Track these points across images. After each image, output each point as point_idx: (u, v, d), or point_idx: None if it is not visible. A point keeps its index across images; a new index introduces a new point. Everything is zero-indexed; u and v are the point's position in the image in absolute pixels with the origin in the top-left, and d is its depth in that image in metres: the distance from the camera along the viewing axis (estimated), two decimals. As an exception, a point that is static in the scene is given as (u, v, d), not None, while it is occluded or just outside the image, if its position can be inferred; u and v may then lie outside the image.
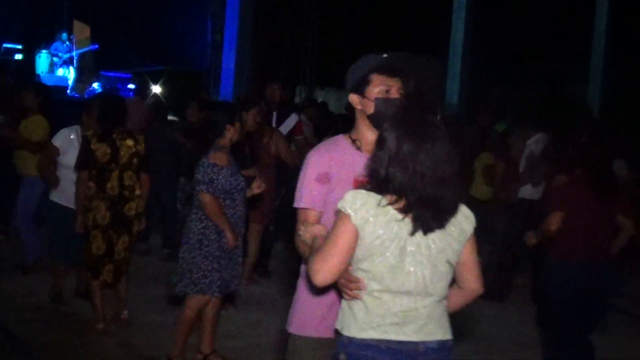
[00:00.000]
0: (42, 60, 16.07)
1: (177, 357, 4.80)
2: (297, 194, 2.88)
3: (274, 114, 7.31)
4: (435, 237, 2.43)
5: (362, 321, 2.44)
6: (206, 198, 4.66)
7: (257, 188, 4.92)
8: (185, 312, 4.79)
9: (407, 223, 2.40)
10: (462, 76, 16.25)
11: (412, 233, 2.40)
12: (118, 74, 16.91)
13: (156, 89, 16.21)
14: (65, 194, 5.84)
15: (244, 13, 15.71)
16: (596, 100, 15.39)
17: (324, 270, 2.40)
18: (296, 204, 2.88)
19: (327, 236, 2.47)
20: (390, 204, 2.40)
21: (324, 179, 2.82)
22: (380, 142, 2.46)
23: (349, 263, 2.45)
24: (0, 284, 6.48)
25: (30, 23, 16.94)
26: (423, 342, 2.44)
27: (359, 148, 2.88)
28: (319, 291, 2.73)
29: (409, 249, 2.41)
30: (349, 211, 2.39)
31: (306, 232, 2.64)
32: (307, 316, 2.90)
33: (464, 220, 2.49)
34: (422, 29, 20.05)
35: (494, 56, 18.34)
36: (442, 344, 2.48)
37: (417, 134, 2.41)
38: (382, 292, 2.43)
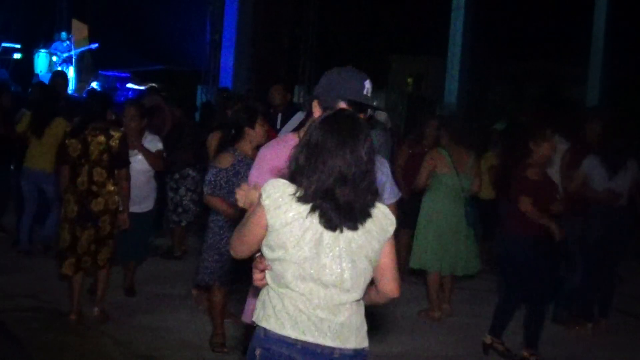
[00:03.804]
0: (41, 60, 16.05)
1: (218, 335, 5.19)
2: None
3: (279, 115, 7.27)
4: (356, 232, 2.45)
5: (280, 315, 2.46)
6: (206, 199, 5.01)
7: None
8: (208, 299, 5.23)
9: (319, 216, 2.44)
10: (462, 76, 16.25)
11: (326, 226, 2.43)
12: (117, 73, 16.90)
13: (155, 88, 16.20)
14: None
15: (242, 13, 15.70)
16: (595, 100, 15.39)
17: (238, 247, 2.58)
18: None
19: (246, 217, 2.57)
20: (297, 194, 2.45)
21: (273, 171, 2.91)
22: (304, 134, 2.55)
23: (260, 242, 2.52)
24: (0, 283, 6.46)
25: (30, 23, 16.93)
26: (339, 348, 2.46)
27: None
28: None
29: (325, 241, 2.44)
30: (263, 196, 2.45)
31: (241, 193, 2.65)
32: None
33: (384, 220, 2.51)
34: (422, 29, 20.07)
35: (493, 56, 18.37)
36: (357, 351, 2.49)
37: (334, 129, 2.45)
38: (297, 284, 2.44)
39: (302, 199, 2.43)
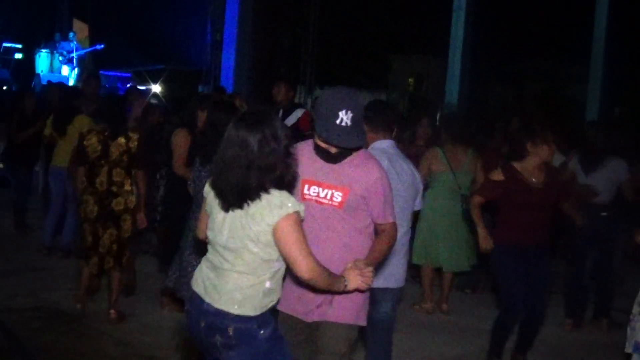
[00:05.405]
0: (42, 60, 16.07)
1: None
2: None
3: (280, 112, 7.29)
4: (242, 215, 2.84)
5: (195, 271, 3.09)
6: None
7: None
8: None
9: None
10: (462, 76, 16.23)
11: (222, 207, 2.88)
12: (118, 73, 16.92)
13: (156, 88, 16.23)
14: None
15: (243, 13, 15.70)
16: (596, 100, 15.39)
17: (199, 227, 3.16)
18: None
19: None
20: None
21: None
22: None
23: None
24: (0, 284, 6.47)
25: (30, 23, 16.94)
26: (208, 303, 2.93)
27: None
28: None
29: (222, 219, 2.90)
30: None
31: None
32: (284, 292, 3.35)
33: (270, 208, 2.80)
34: (423, 29, 20.07)
35: (493, 55, 18.36)
36: (220, 312, 2.89)
37: (233, 126, 2.87)
38: (209, 252, 3.02)
39: (210, 185, 2.95)
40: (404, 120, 8.95)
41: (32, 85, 15.31)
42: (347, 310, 3.36)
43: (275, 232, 2.80)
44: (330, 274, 2.97)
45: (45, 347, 5.11)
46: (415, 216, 6.49)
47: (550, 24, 19.22)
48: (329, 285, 2.99)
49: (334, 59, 18.74)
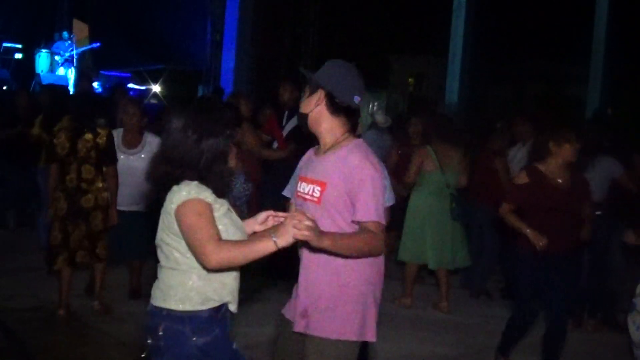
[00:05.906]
0: (42, 60, 16.05)
1: None
2: None
3: (286, 113, 7.28)
4: (162, 209, 2.79)
5: None
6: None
7: None
8: None
9: None
10: (462, 76, 16.23)
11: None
12: (118, 73, 16.90)
13: (156, 88, 16.22)
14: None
15: (243, 12, 15.70)
16: (596, 100, 15.38)
17: None
18: None
19: None
20: None
21: (297, 172, 3.30)
22: None
23: None
24: (0, 283, 6.47)
25: (30, 23, 16.94)
26: (149, 303, 2.92)
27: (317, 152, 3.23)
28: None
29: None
30: None
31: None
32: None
33: (171, 197, 2.74)
34: (423, 29, 20.07)
35: (493, 55, 18.36)
36: (153, 309, 2.89)
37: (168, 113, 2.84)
38: None
39: None
40: (400, 120, 8.99)
41: (32, 85, 15.31)
42: (329, 323, 3.00)
43: (178, 221, 2.69)
44: (244, 244, 2.66)
45: (45, 347, 5.11)
46: (403, 214, 6.56)
47: (550, 24, 19.23)
48: (251, 256, 2.62)
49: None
